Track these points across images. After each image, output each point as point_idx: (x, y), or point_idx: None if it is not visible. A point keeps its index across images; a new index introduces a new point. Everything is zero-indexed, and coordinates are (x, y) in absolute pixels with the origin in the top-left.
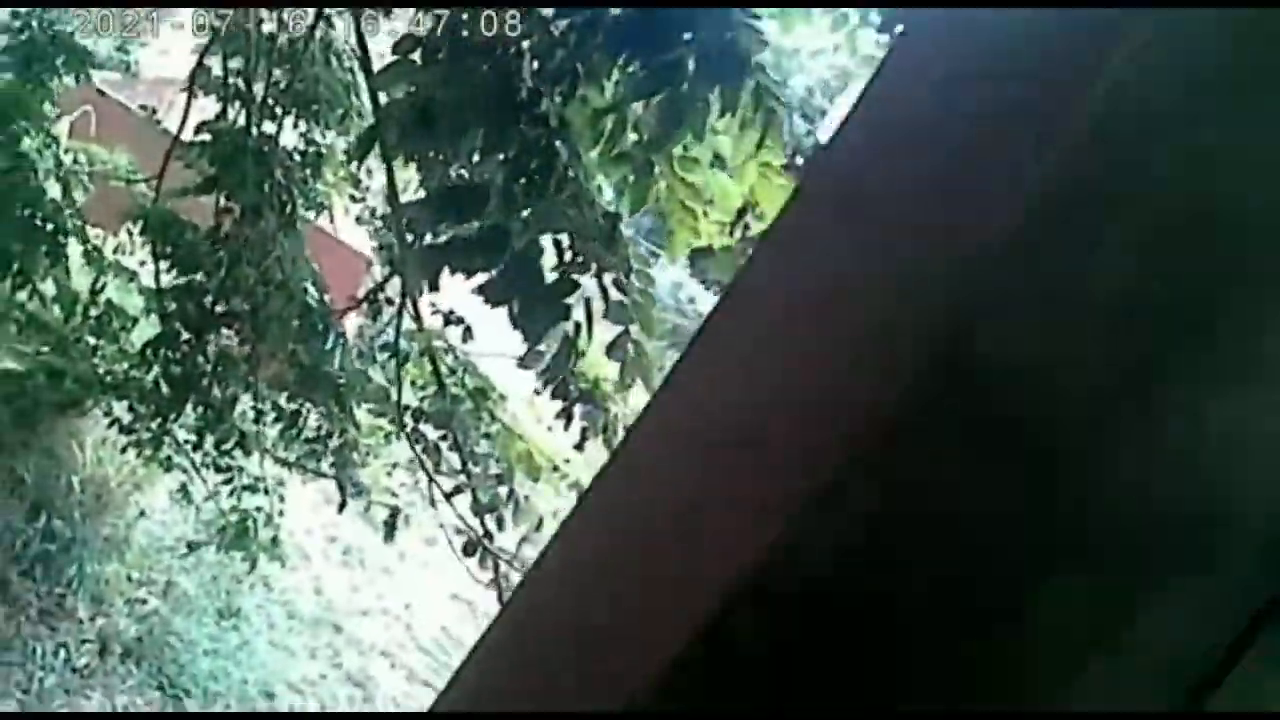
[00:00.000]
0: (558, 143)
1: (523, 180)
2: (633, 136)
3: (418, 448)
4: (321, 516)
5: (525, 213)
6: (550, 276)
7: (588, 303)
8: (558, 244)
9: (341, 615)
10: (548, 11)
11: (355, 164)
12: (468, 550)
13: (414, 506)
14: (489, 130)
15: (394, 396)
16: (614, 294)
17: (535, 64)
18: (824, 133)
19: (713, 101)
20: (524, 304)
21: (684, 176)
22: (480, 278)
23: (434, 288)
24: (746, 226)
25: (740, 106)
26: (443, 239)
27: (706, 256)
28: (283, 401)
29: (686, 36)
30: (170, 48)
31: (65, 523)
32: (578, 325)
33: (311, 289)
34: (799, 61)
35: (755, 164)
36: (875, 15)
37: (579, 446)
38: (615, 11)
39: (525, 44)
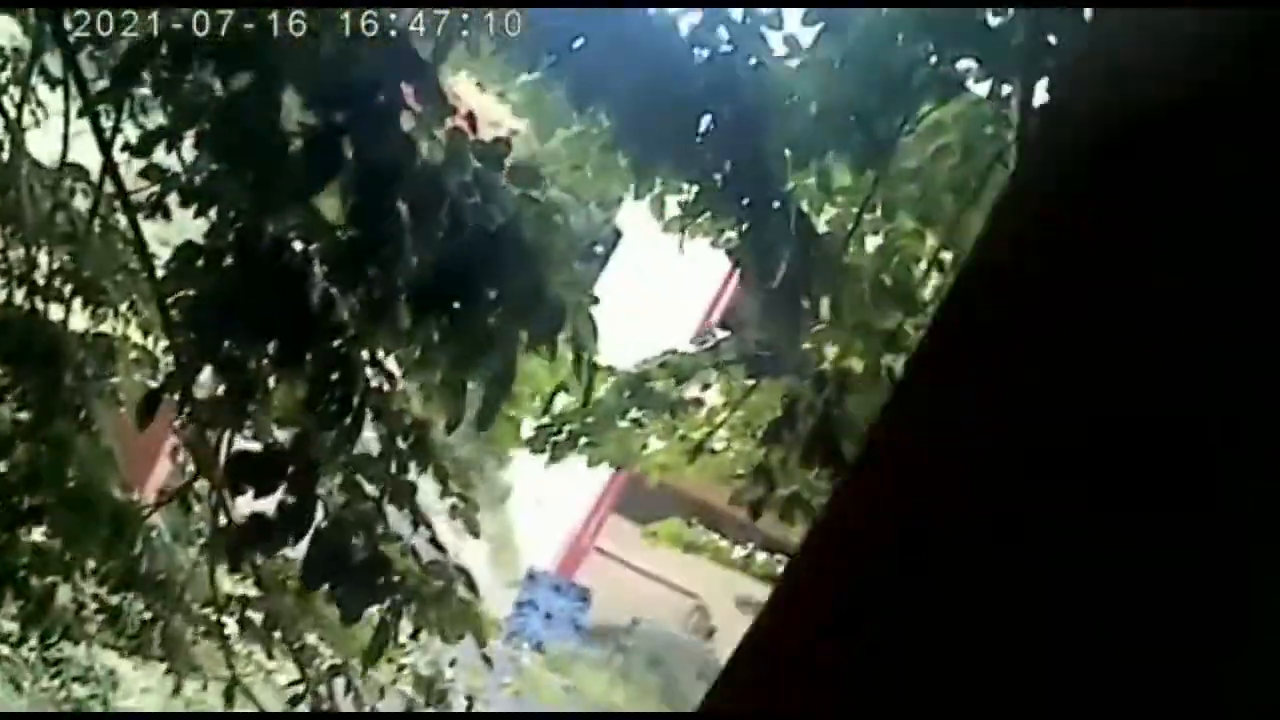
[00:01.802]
0: (357, 349)
1: (326, 398)
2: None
3: (246, 634)
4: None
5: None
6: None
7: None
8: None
9: None
10: (337, 216)
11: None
12: None
13: (251, 678)
14: (284, 340)
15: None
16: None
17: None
18: None
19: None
20: (336, 586)
21: None
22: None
23: (234, 569)
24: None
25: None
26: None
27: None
28: (104, 594)
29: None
30: None
31: None
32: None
33: (116, 491)
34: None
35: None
36: None
37: (414, 636)
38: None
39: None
